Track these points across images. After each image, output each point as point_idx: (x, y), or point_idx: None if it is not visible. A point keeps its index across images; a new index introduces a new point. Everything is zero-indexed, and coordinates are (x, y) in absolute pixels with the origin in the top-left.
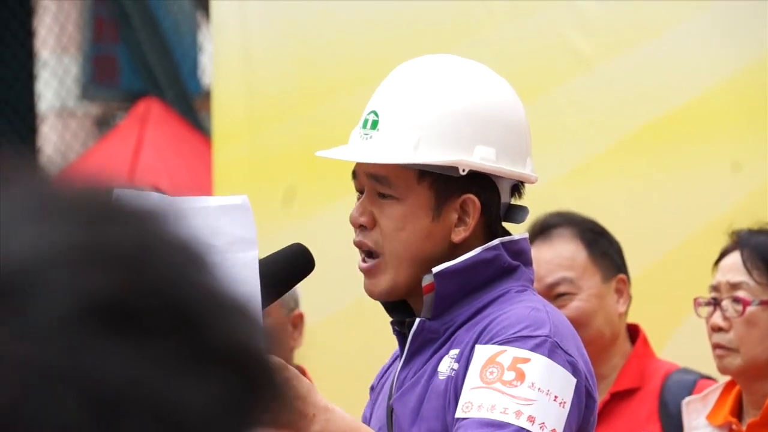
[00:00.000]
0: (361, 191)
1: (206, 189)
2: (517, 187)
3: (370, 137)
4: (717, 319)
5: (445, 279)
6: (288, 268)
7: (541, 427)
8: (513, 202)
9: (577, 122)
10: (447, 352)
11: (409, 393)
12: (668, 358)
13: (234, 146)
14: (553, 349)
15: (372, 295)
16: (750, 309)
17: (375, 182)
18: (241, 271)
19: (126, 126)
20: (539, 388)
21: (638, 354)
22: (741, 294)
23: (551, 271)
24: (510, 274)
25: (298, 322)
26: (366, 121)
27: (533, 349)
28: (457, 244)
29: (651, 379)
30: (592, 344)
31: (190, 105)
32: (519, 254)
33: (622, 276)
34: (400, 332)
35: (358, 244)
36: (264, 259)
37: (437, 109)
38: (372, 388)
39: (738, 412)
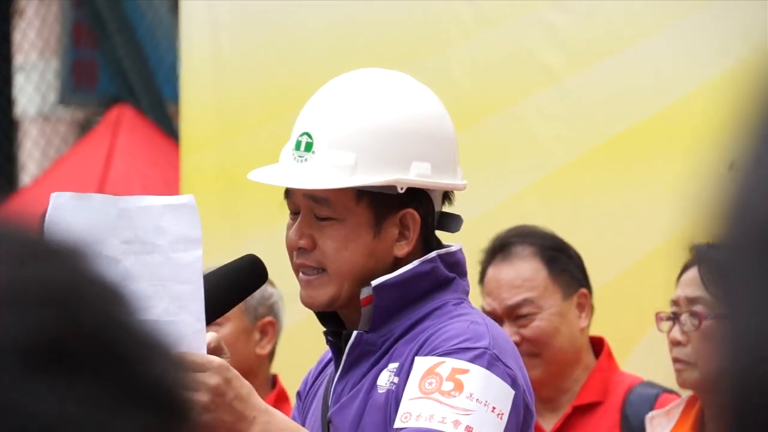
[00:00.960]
0: (296, 212)
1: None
2: (447, 195)
3: (305, 160)
4: (676, 333)
5: (383, 292)
6: (240, 279)
7: None
8: (444, 209)
9: (544, 134)
10: (386, 365)
11: (348, 406)
12: (631, 370)
13: (202, 154)
14: (492, 361)
15: (311, 306)
16: (706, 323)
17: (313, 203)
18: (183, 269)
19: (98, 132)
20: (477, 399)
21: (602, 367)
22: (698, 308)
23: (512, 293)
24: (446, 286)
25: (268, 329)
26: (299, 143)
27: (472, 360)
28: (399, 258)
29: (614, 393)
30: (554, 361)
31: (165, 112)
32: (455, 266)
33: (583, 290)
34: (335, 344)
35: (299, 266)
36: (217, 269)
37: (372, 129)
38: (299, 394)
39: (700, 427)
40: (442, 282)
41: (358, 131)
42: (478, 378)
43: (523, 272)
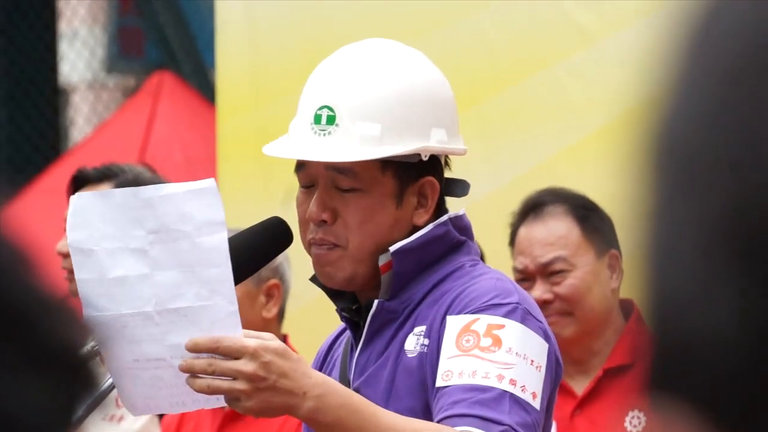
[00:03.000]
0: (310, 185)
1: None
2: (446, 161)
3: (329, 133)
4: None
5: (402, 257)
6: (265, 241)
7: (522, 390)
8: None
9: (579, 98)
10: (411, 330)
11: (376, 375)
12: None
13: (238, 119)
14: (524, 316)
15: (330, 283)
16: None
17: (336, 175)
18: (210, 253)
19: (139, 99)
20: (516, 353)
21: (632, 329)
22: None
23: (546, 250)
24: (459, 249)
25: (273, 291)
26: (318, 116)
27: (506, 315)
28: (417, 227)
29: (645, 356)
30: (586, 320)
31: (207, 78)
32: (464, 229)
33: (614, 251)
34: (349, 319)
35: (319, 241)
36: (241, 232)
37: (395, 99)
38: None
39: None
40: (456, 245)
41: (382, 101)
42: (514, 332)
43: (556, 230)
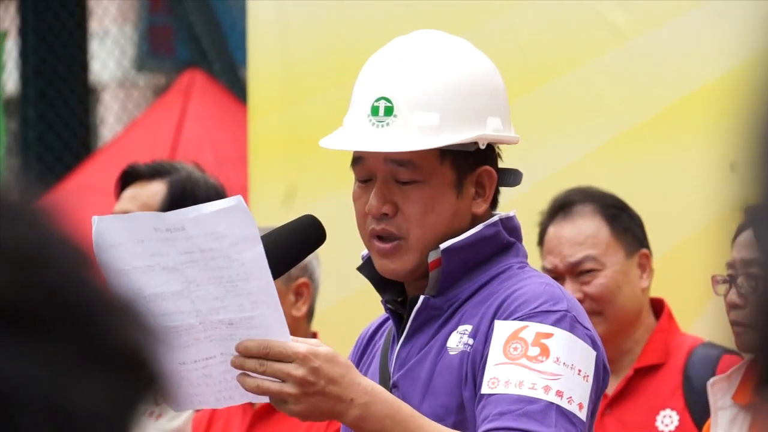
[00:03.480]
0: (368, 179)
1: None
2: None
3: (387, 124)
4: (733, 296)
5: (451, 255)
6: (298, 239)
7: (569, 401)
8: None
9: (611, 96)
10: (455, 328)
11: (416, 370)
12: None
13: (270, 117)
14: (573, 324)
15: (393, 274)
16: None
17: (396, 167)
18: (251, 268)
19: (170, 97)
20: (564, 363)
21: (662, 329)
22: (754, 270)
23: (575, 250)
24: (508, 250)
25: (303, 290)
26: (375, 108)
27: (555, 324)
28: (477, 216)
29: (675, 355)
30: (616, 320)
31: (237, 76)
32: (514, 231)
33: (644, 251)
34: (394, 311)
35: (381, 232)
36: (275, 230)
37: (452, 88)
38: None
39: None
40: (505, 246)
41: (440, 91)
42: (562, 341)
43: (586, 229)
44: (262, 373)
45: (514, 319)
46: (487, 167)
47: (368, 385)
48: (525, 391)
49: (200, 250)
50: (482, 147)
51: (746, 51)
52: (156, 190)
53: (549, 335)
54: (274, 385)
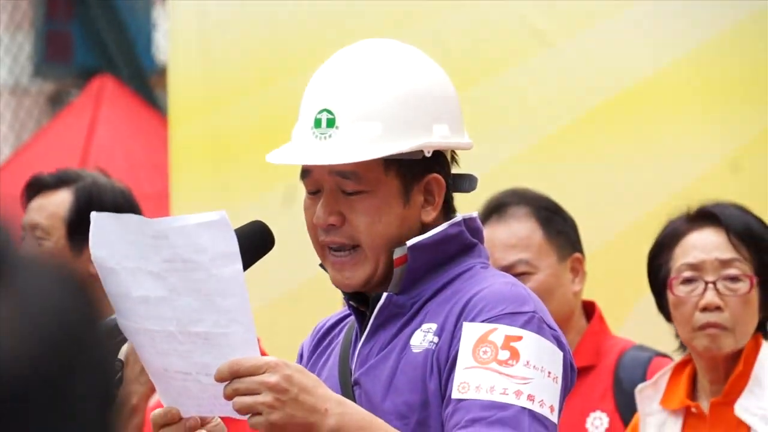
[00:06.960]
0: (316, 191)
1: (162, 167)
2: (453, 156)
3: (329, 136)
4: (712, 298)
5: (417, 252)
6: (246, 245)
7: (540, 405)
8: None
9: (536, 100)
10: (418, 326)
11: (378, 367)
12: (625, 336)
13: (191, 124)
14: (540, 325)
15: (348, 287)
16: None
17: (341, 179)
18: (228, 283)
19: (80, 104)
20: (534, 366)
21: (594, 331)
22: (733, 272)
23: (508, 253)
24: (471, 251)
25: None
26: (318, 120)
27: (523, 326)
28: (426, 224)
29: (606, 357)
30: None
31: (145, 82)
32: (476, 232)
33: (577, 255)
34: (356, 308)
35: (331, 243)
36: None
37: (395, 97)
38: (300, 356)
39: (693, 394)
40: (468, 246)
41: (382, 100)
42: (531, 344)
43: (519, 232)
44: (238, 394)
45: (482, 321)
46: (435, 175)
47: (339, 397)
48: (497, 397)
49: (182, 260)
50: (428, 155)
51: (668, 56)
52: (62, 198)
53: (518, 338)
54: (249, 398)
